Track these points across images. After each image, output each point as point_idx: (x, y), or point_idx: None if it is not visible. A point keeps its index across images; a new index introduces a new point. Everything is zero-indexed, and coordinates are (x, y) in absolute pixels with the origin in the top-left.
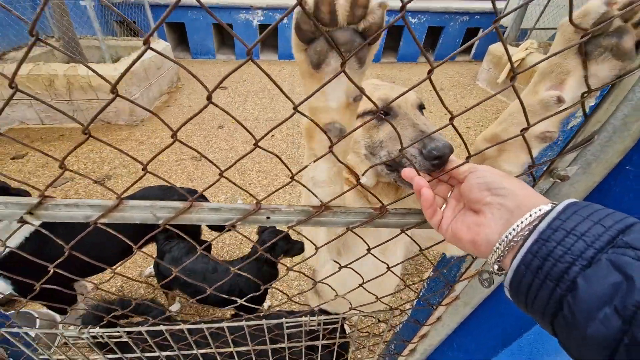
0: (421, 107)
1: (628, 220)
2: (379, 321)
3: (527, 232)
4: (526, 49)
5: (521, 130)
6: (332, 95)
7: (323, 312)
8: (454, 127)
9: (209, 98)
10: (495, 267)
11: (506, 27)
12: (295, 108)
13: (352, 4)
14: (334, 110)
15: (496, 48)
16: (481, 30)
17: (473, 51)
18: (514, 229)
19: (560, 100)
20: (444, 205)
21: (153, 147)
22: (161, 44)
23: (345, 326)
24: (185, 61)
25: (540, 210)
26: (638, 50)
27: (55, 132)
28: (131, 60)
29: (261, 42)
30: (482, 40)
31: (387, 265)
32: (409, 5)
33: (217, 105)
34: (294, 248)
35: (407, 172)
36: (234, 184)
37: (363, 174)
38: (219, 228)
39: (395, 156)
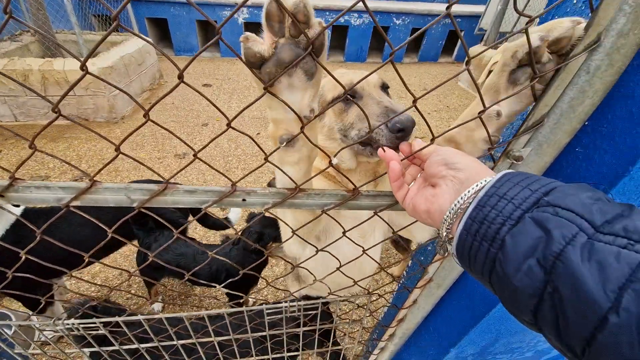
0: (384, 87)
1: (552, 184)
2: (358, 306)
3: (470, 201)
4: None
5: (479, 113)
6: (290, 104)
7: (305, 298)
8: (417, 109)
9: (180, 77)
10: (444, 233)
11: (485, 30)
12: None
13: (293, 21)
14: (292, 120)
15: (477, 50)
16: (463, 32)
17: (455, 53)
18: (461, 198)
19: (499, 114)
20: (412, 183)
21: (134, 144)
22: (142, 40)
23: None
24: (168, 56)
25: (485, 180)
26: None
27: (30, 129)
28: (111, 55)
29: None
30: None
31: (363, 248)
32: (394, 7)
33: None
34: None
35: (387, 152)
36: (211, 167)
37: (335, 155)
38: (204, 221)
39: (365, 134)
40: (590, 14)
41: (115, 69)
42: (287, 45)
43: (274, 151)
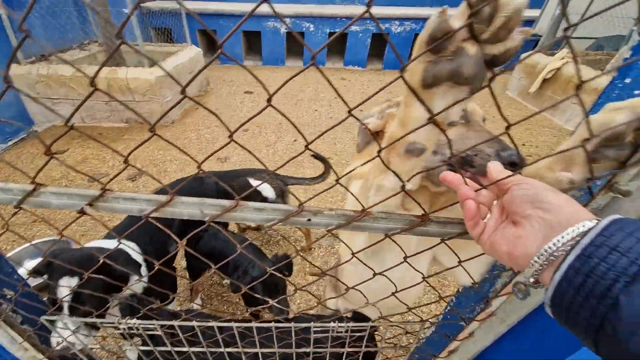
0: (484, 119)
1: None
2: (406, 332)
3: (569, 248)
4: (562, 58)
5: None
6: (437, 109)
7: (352, 317)
8: (510, 136)
9: (268, 100)
10: (532, 279)
11: (541, 36)
12: (349, 112)
13: (503, 24)
14: (428, 126)
15: (529, 57)
16: None
17: None
18: (554, 244)
19: (572, 182)
20: (488, 216)
21: (181, 147)
22: (194, 49)
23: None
24: (214, 66)
25: (583, 226)
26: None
27: (94, 130)
28: (166, 64)
29: (287, 50)
30: None
31: (423, 275)
32: (404, 13)
33: (277, 109)
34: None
35: (450, 177)
36: (259, 160)
37: (409, 179)
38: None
39: (464, 152)
40: None
41: (169, 77)
42: (474, 57)
43: (347, 174)
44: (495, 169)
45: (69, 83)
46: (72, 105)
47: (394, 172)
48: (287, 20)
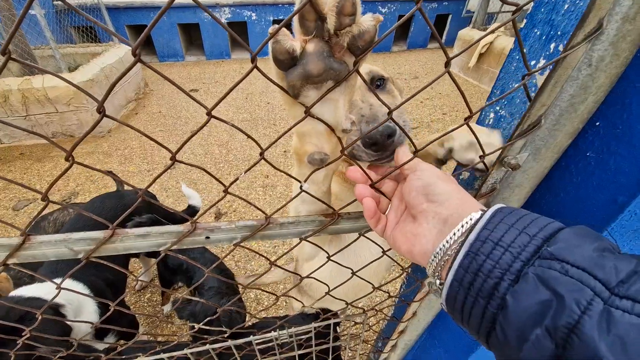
0: (375, 80)
1: (552, 227)
2: (355, 323)
3: (459, 245)
4: (494, 32)
5: (465, 119)
6: (321, 117)
7: (308, 316)
8: (394, 120)
9: (208, 114)
10: (437, 281)
11: (473, 12)
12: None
13: (337, 13)
14: (323, 133)
15: (466, 33)
16: (450, 16)
17: (444, 37)
18: (447, 241)
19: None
20: (388, 208)
21: (122, 158)
22: (122, 49)
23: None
24: (152, 65)
25: (470, 219)
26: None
27: (15, 150)
28: (91, 68)
29: (231, 41)
30: (452, 26)
31: (383, 249)
32: None
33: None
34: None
35: (351, 173)
36: (209, 173)
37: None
38: (154, 254)
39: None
40: None
41: (96, 81)
42: (312, 55)
43: (270, 145)
44: (403, 153)
45: None
46: None
47: (294, 177)
48: (227, 9)
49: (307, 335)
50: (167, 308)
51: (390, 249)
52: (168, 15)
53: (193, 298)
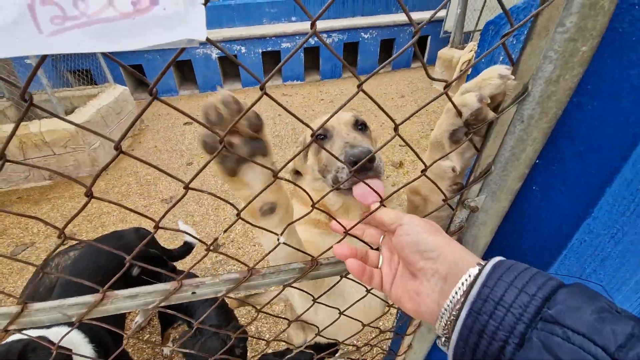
0: (358, 124)
1: (550, 285)
2: (373, 346)
3: (461, 303)
4: (471, 51)
5: (421, 171)
6: (255, 183)
7: (316, 347)
8: (401, 137)
9: (221, 141)
10: (443, 339)
11: (450, 32)
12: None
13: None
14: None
15: (445, 52)
16: (430, 36)
17: (426, 57)
18: (450, 301)
19: (454, 170)
20: (380, 261)
21: (119, 195)
22: (118, 89)
23: None
24: (146, 102)
25: (470, 276)
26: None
27: (12, 194)
28: (87, 110)
29: (223, 73)
30: (432, 46)
31: (366, 288)
32: (360, 23)
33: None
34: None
35: (333, 226)
36: (215, 195)
37: (315, 202)
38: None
39: (333, 175)
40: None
41: (92, 122)
42: (240, 143)
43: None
44: (382, 211)
45: None
46: None
47: (269, 230)
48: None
49: None
50: (167, 349)
51: (372, 288)
52: (162, 54)
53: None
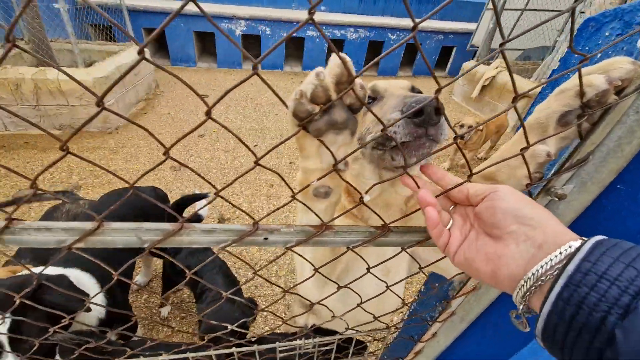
0: (415, 90)
1: None
2: (374, 340)
3: (556, 272)
4: (496, 68)
5: (521, 150)
6: (326, 159)
7: (318, 332)
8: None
9: (207, 113)
10: (521, 306)
11: (478, 47)
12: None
13: (337, 83)
14: (325, 170)
15: (469, 65)
16: (455, 48)
17: (448, 67)
18: (542, 266)
19: (549, 155)
20: (450, 223)
21: (128, 155)
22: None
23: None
24: (165, 67)
25: (570, 247)
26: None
27: (19, 138)
28: (107, 65)
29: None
30: (457, 58)
31: (386, 283)
32: (389, 23)
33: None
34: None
35: (406, 180)
36: (219, 194)
37: (367, 191)
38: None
39: (378, 134)
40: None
41: (110, 78)
42: (339, 107)
43: (300, 191)
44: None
45: None
46: None
47: (314, 212)
48: (243, 22)
49: (326, 348)
50: (165, 311)
51: (395, 284)
52: (185, 22)
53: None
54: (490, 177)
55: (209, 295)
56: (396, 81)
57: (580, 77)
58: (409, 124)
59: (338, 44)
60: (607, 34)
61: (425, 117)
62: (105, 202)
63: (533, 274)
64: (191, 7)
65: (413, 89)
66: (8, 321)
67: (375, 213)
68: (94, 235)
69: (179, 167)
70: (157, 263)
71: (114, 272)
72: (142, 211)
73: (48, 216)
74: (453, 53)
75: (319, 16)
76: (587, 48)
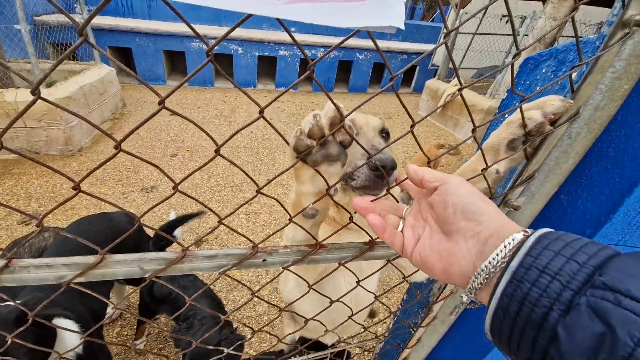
0: (383, 132)
1: (604, 253)
2: (364, 351)
3: (501, 269)
4: (455, 85)
5: (482, 170)
6: (318, 184)
7: (312, 347)
8: (414, 134)
9: (160, 103)
10: (465, 298)
11: (438, 66)
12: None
13: (331, 124)
14: (316, 194)
15: (432, 83)
16: (418, 67)
17: (413, 84)
18: (489, 262)
19: (498, 172)
20: (401, 225)
21: (94, 179)
22: (104, 69)
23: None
24: (132, 86)
25: (513, 240)
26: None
27: None
28: (69, 85)
29: (215, 71)
30: (420, 76)
31: (358, 278)
32: (357, 44)
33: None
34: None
35: (356, 201)
36: (200, 201)
37: (355, 212)
38: (135, 282)
39: (351, 171)
40: (570, 93)
41: (73, 99)
42: (333, 143)
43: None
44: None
45: None
46: None
47: (306, 230)
48: (213, 42)
49: None
50: (142, 344)
51: (364, 279)
52: (154, 41)
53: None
54: None
55: (195, 320)
56: (371, 119)
57: (522, 112)
58: (369, 174)
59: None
60: (544, 70)
61: (382, 173)
62: (77, 230)
63: (482, 270)
64: (160, 27)
65: (383, 130)
66: None
67: (364, 230)
68: (96, 269)
69: (150, 188)
70: (129, 289)
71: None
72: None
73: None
74: (416, 72)
75: (284, 35)
76: (527, 82)
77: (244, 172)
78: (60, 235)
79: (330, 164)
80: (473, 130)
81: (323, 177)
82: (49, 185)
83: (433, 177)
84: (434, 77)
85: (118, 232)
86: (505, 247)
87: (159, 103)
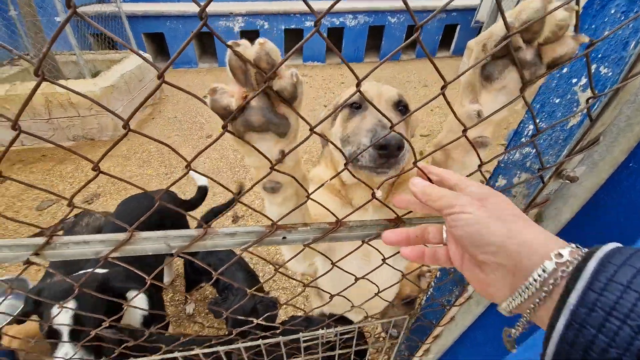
0: (400, 105)
1: None
2: (393, 326)
3: (556, 310)
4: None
5: (462, 132)
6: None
7: (339, 320)
8: (445, 97)
9: (159, 77)
10: (513, 330)
11: (483, 23)
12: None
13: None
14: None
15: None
16: (459, 26)
17: (452, 47)
18: (519, 295)
19: (479, 114)
20: (445, 236)
21: (141, 161)
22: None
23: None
24: (167, 71)
25: (543, 272)
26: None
27: (36, 152)
28: (111, 74)
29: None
30: (461, 36)
31: (384, 256)
32: (389, 5)
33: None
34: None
35: (386, 235)
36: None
37: (378, 187)
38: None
39: (354, 150)
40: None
41: (116, 87)
42: (256, 108)
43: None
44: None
45: (2, 104)
46: (6, 127)
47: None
48: (240, 19)
49: (347, 336)
50: (190, 308)
51: (411, 272)
52: (184, 24)
53: (217, 309)
54: (439, 144)
55: (231, 290)
56: (385, 91)
57: (503, 15)
58: (373, 154)
59: (337, 32)
60: (612, 11)
61: (387, 152)
62: (122, 210)
63: (514, 299)
64: (189, 8)
65: (399, 103)
66: (70, 312)
67: (387, 207)
68: (127, 245)
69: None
70: (178, 263)
71: (147, 277)
72: (159, 214)
73: (68, 233)
74: (457, 31)
75: (316, 5)
76: (593, 27)
77: (258, 151)
78: (111, 215)
79: (261, 136)
80: (521, 90)
81: (257, 150)
82: (104, 168)
83: (438, 198)
84: (477, 35)
85: (160, 210)
86: (534, 280)
87: (158, 77)
